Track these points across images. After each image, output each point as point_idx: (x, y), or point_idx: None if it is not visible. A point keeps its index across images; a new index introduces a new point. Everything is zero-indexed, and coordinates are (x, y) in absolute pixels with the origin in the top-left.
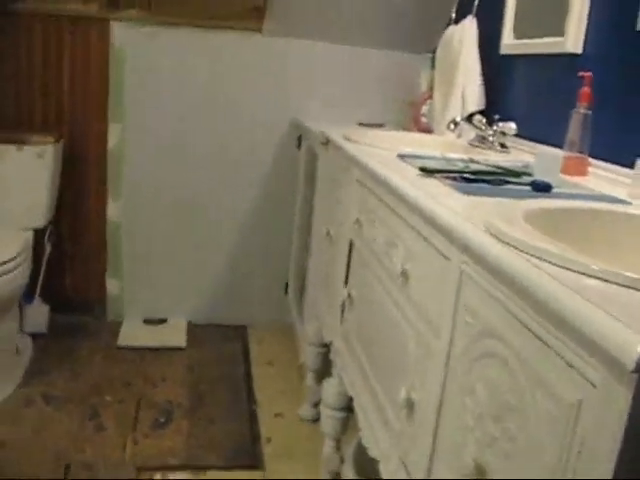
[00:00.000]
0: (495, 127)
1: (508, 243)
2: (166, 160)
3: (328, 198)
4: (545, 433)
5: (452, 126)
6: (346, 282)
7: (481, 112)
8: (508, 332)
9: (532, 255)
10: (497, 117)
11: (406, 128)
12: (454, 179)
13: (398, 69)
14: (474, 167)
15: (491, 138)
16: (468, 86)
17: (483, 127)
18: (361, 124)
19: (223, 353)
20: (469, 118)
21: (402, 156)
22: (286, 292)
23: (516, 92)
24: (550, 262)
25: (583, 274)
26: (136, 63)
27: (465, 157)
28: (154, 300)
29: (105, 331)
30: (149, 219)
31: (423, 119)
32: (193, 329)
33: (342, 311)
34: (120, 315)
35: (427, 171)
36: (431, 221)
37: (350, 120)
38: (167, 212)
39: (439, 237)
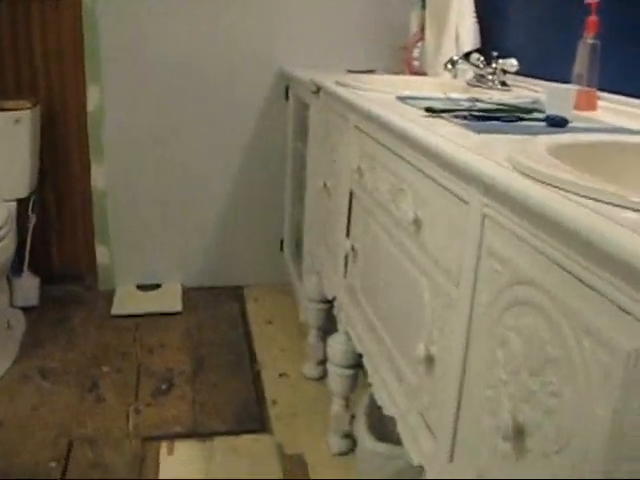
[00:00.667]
0: (495, 65)
1: (537, 179)
2: (149, 121)
3: (323, 149)
4: (596, 385)
5: (449, 66)
6: (347, 234)
7: (477, 51)
8: (544, 277)
9: (565, 190)
10: (495, 54)
11: (398, 73)
12: (464, 118)
13: (386, 12)
14: (481, 106)
15: (490, 76)
16: (462, 24)
17: (481, 65)
18: (350, 71)
19: (221, 315)
20: (466, 57)
21: (402, 98)
22: (281, 249)
23: (514, 28)
24: (584, 196)
25: (621, 206)
26: (110, 21)
27: (469, 96)
28: (146, 266)
29: (98, 300)
30: (135, 182)
31: (415, 62)
32: (188, 293)
33: (345, 264)
34: (112, 283)
35: (433, 111)
36: (445, 162)
37: (338, 68)
38: (153, 174)
39: (455, 180)
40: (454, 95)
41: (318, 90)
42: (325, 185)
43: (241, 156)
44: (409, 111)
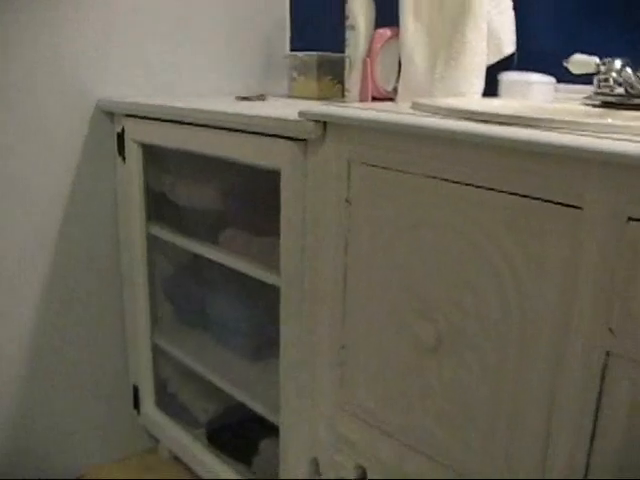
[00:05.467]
0: None
1: None
2: None
3: (392, 252)
4: None
5: (600, 77)
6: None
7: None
8: None
9: None
10: None
11: (300, 97)
12: None
13: (258, 17)
14: None
15: None
16: (497, 14)
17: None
18: (241, 98)
19: None
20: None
21: None
22: (136, 404)
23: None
24: None
25: None
26: None
27: None
28: None
29: None
30: None
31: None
32: None
33: None
34: None
35: None
36: None
37: (210, 94)
38: None
39: None
40: None
41: (321, 132)
42: (439, 339)
43: (48, 264)
44: None
